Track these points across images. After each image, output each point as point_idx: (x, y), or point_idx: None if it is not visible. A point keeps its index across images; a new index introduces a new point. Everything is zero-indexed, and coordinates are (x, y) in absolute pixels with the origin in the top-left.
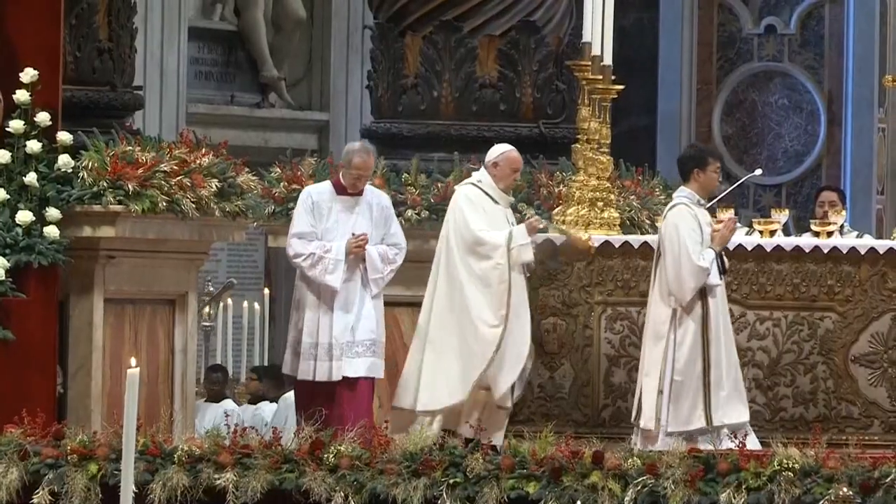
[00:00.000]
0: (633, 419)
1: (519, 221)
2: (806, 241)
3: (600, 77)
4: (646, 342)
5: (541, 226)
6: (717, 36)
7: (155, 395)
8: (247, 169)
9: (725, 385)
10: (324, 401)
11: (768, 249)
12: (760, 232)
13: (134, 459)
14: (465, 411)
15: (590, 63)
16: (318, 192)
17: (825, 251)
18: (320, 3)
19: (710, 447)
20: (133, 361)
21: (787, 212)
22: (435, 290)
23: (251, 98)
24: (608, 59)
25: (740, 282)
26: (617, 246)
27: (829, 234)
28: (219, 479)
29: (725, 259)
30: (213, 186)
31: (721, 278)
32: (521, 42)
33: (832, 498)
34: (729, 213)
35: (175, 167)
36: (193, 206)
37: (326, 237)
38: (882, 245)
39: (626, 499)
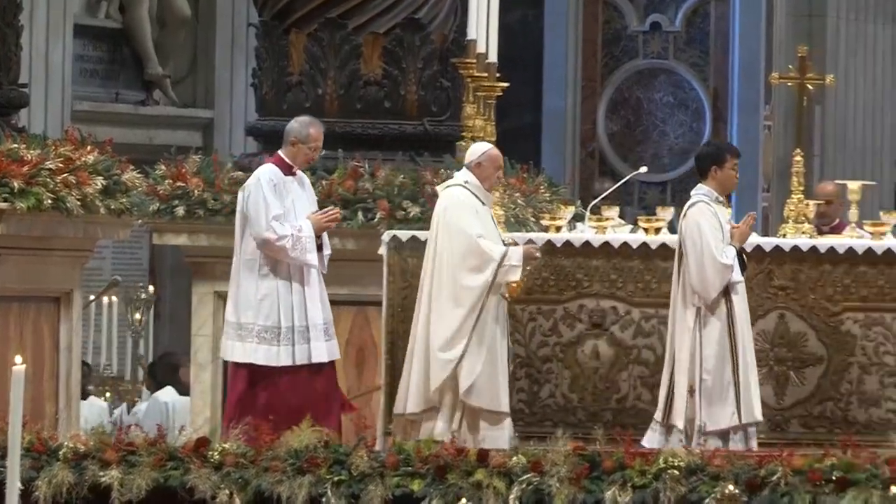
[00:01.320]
0: (661, 420)
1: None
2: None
3: (485, 74)
4: (673, 342)
5: (537, 254)
6: (602, 33)
7: (40, 393)
8: (132, 166)
9: (752, 382)
10: (289, 387)
11: (654, 247)
12: (646, 230)
13: (20, 457)
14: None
15: (475, 60)
16: (274, 174)
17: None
18: (205, 1)
19: (743, 446)
20: (18, 359)
21: (672, 209)
22: (424, 294)
23: (136, 95)
24: (493, 57)
25: (625, 279)
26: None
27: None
28: (104, 476)
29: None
30: (99, 184)
31: (742, 275)
32: (406, 40)
33: (718, 496)
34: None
35: (60, 165)
36: (79, 203)
37: (287, 218)
38: (768, 243)
39: (511, 497)
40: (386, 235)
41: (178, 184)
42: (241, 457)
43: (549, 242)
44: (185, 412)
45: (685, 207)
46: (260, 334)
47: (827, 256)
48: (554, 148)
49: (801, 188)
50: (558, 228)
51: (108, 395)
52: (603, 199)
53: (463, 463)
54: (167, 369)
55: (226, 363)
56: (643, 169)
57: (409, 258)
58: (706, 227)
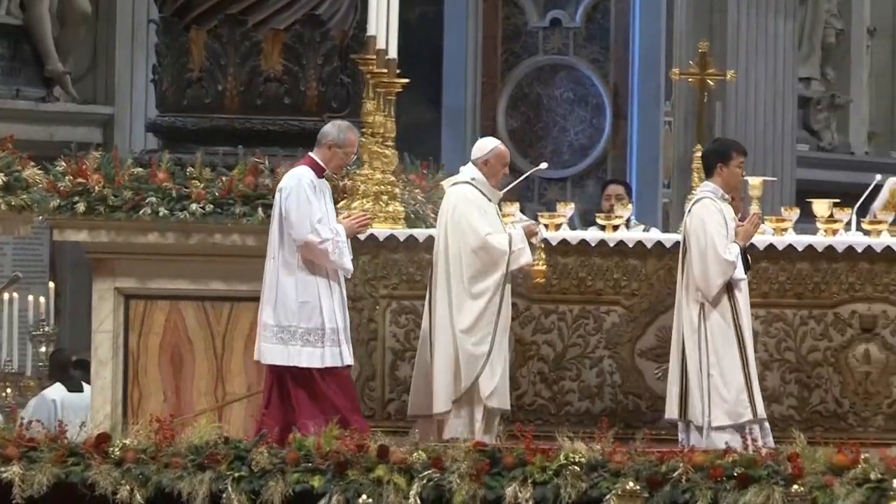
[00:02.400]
0: (678, 417)
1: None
2: (592, 234)
3: (385, 71)
4: (686, 340)
5: (537, 230)
6: (502, 29)
7: None
8: (32, 163)
9: (753, 380)
10: (332, 387)
11: (554, 243)
12: (546, 226)
13: None
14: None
15: (375, 57)
16: (311, 176)
17: (611, 245)
18: None
19: (759, 441)
20: None
21: (572, 205)
22: (434, 293)
23: (36, 92)
24: (393, 53)
25: (525, 276)
26: (402, 240)
27: (616, 227)
28: (5, 472)
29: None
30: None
31: (746, 273)
32: (306, 36)
33: (619, 492)
34: (753, 208)
35: None
36: None
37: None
38: (669, 239)
39: (412, 493)
40: None
41: (79, 180)
42: (141, 453)
43: None
44: (74, 409)
45: (690, 204)
46: (304, 337)
47: None
48: (454, 144)
49: None
50: None
51: (8, 391)
52: (503, 194)
53: (363, 459)
54: (57, 366)
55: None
56: (543, 165)
57: None
58: (710, 224)
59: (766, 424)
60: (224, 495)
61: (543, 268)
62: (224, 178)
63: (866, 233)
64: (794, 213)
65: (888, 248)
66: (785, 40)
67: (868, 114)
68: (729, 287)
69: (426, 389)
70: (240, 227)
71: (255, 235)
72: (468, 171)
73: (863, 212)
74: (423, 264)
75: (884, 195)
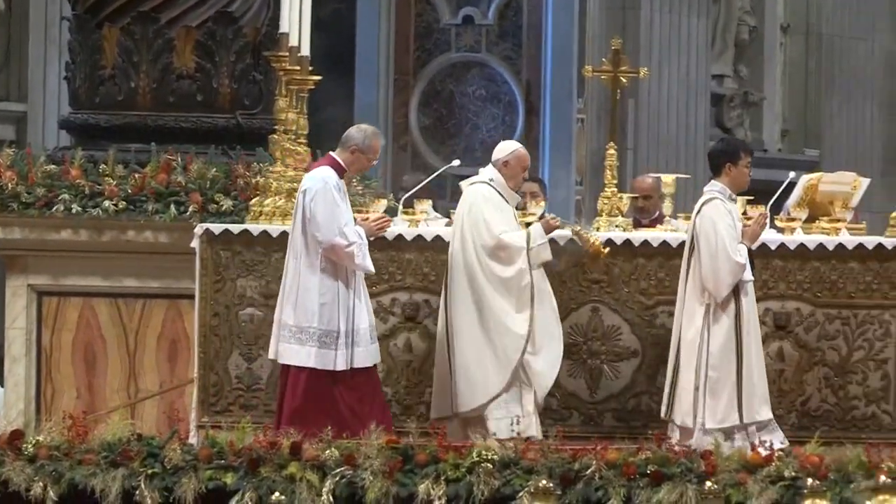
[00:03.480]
0: (664, 415)
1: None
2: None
3: (298, 68)
4: (681, 338)
5: (557, 224)
6: (415, 27)
7: None
8: None
9: (756, 382)
10: (342, 390)
11: None
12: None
13: None
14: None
15: (287, 54)
16: (335, 179)
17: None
18: None
19: (746, 444)
20: None
21: None
22: (452, 293)
23: None
24: (305, 50)
25: (438, 273)
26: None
27: (528, 224)
28: None
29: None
30: None
31: (752, 275)
32: (219, 33)
33: (532, 490)
34: (760, 209)
35: None
36: None
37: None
38: (567, 236)
39: (325, 490)
40: (199, 229)
41: None
42: (54, 450)
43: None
44: None
45: (699, 204)
46: (320, 339)
47: (641, 250)
48: None
49: (615, 181)
50: None
51: None
52: (415, 192)
53: (276, 456)
54: None
55: (284, 366)
56: (456, 162)
57: (221, 251)
58: (721, 225)
59: (774, 424)
60: (137, 492)
61: (599, 242)
62: (137, 176)
63: (780, 230)
64: None
65: (801, 245)
66: (698, 37)
67: (781, 111)
68: (735, 289)
69: (448, 391)
70: (152, 224)
71: (168, 232)
72: (487, 171)
73: (776, 209)
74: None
75: (797, 192)
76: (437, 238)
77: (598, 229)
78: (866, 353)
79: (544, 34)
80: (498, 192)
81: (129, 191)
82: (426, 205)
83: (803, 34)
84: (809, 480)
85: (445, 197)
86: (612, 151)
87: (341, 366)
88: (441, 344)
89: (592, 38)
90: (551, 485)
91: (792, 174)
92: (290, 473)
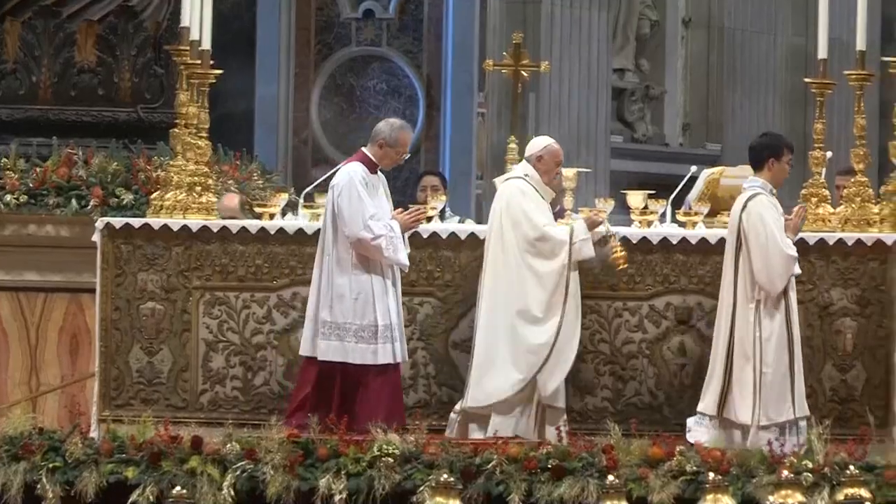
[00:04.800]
0: (715, 413)
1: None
2: None
3: (199, 62)
4: (733, 336)
5: (600, 220)
6: (316, 20)
7: None
8: None
9: (798, 377)
10: (384, 384)
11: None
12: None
13: None
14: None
15: (188, 48)
16: (363, 173)
17: (425, 236)
18: None
19: (799, 439)
20: None
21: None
22: (484, 289)
23: None
24: (206, 44)
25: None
26: (215, 231)
27: (430, 218)
28: None
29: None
30: None
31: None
32: (120, 27)
33: (433, 484)
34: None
35: None
36: None
37: (376, 217)
38: (482, 230)
39: (226, 484)
40: (100, 223)
41: None
42: None
43: (262, 230)
44: None
45: (743, 199)
46: (357, 333)
47: None
48: (267, 135)
49: None
50: (271, 216)
51: None
52: (316, 186)
53: (177, 450)
54: None
55: (311, 360)
56: None
57: (122, 245)
58: (770, 220)
59: (802, 423)
60: (38, 486)
61: (623, 254)
62: (38, 169)
63: (681, 224)
64: (609, 205)
65: (703, 239)
66: (599, 31)
67: (683, 105)
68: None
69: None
70: (54, 218)
71: (69, 226)
72: (521, 167)
73: (678, 203)
74: (236, 256)
75: (699, 187)
76: None
77: None
78: None
79: (445, 28)
80: (533, 187)
81: (31, 185)
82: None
83: (705, 28)
84: (711, 475)
85: None
86: (512, 145)
87: (386, 359)
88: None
89: (493, 33)
90: (452, 479)
91: (693, 168)
92: (191, 467)
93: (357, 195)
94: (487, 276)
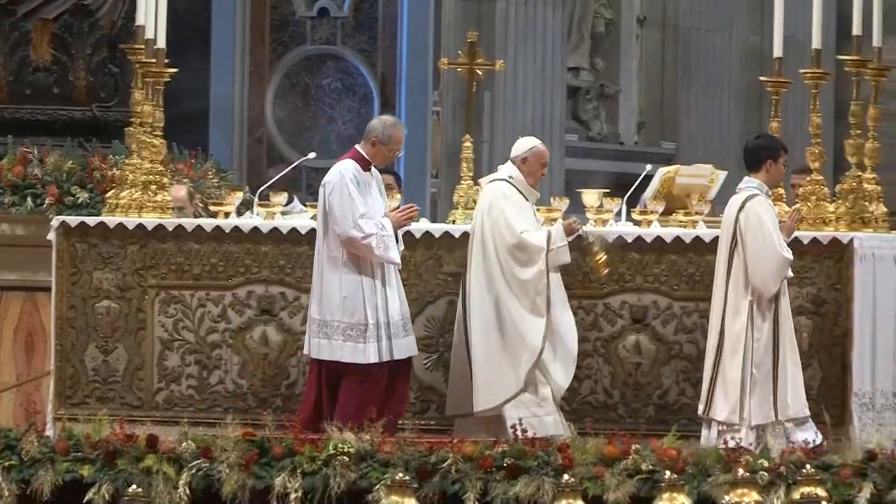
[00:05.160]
0: (701, 413)
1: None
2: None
3: (154, 60)
4: (723, 335)
5: (577, 227)
6: (271, 19)
7: None
8: None
9: (790, 378)
10: (374, 383)
11: None
12: (315, 216)
13: None
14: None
15: (143, 46)
16: (355, 171)
17: (417, 236)
18: None
19: (784, 441)
20: None
21: None
22: (470, 291)
23: None
24: (161, 43)
25: (294, 265)
26: (170, 229)
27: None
28: None
29: None
30: None
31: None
32: (75, 26)
33: (388, 483)
34: (795, 205)
35: None
36: None
37: (368, 215)
38: (438, 229)
39: (181, 482)
40: (55, 221)
41: None
42: None
43: (217, 228)
44: None
45: (740, 199)
46: (346, 332)
47: None
48: (222, 134)
49: (471, 174)
50: (226, 214)
51: None
52: (271, 184)
53: (132, 449)
54: None
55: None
56: (311, 155)
57: (77, 244)
58: (768, 221)
59: (789, 424)
60: None
61: (604, 259)
62: None
63: (636, 223)
64: (564, 204)
65: (658, 238)
66: (554, 30)
67: (638, 104)
68: None
69: (464, 389)
70: (9, 217)
71: (25, 225)
72: (506, 168)
73: (633, 202)
74: (192, 254)
75: (654, 185)
76: (294, 231)
77: (453, 222)
78: None
79: (400, 26)
80: (517, 189)
81: None
82: (282, 197)
83: (660, 27)
84: (667, 474)
85: (302, 189)
86: (467, 144)
87: (373, 358)
88: (459, 342)
89: (448, 31)
90: (408, 478)
91: (648, 167)
92: (146, 466)
93: (348, 193)
94: (472, 279)
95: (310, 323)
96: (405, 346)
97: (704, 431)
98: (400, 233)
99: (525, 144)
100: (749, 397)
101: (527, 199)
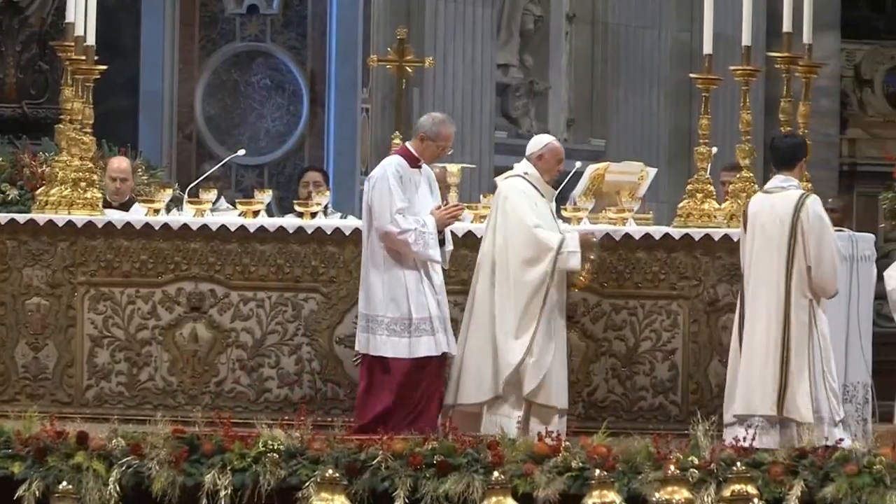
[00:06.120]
0: (773, 411)
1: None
2: (290, 221)
3: (83, 57)
4: (794, 336)
5: (593, 241)
6: (200, 16)
7: None
8: None
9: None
10: (417, 378)
11: (252, 230)
12: (243, 213)
13: None
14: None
15: (73, 44)
16: (400, 167)
17: (309, 232)
18: None
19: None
20: None
21: (270, 192)
22: (475, 287)
23: None
24: (91, 40)
25: (224, 262)
26: (100, 226)
27: (313, 214)
28: None
29: None
30: None
31: None
32: (5, 23)
33: (318, 480)
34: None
35: None
36: None
37: (411, 211)
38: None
39: (111, 479)
40: None
41: None
42: None
43: (147, 225)
44: None
45: (794, 197)
46: (389, 326)
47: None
48: (151, 131)
49: None
50: (156, 211)
51: None
52: (201, 181)
53: (63, 446)
54: None
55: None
56: (241, 152)
57: (7, 241)
58: (828, 221)
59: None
60: None
61: (586, 279)
62: None
63: (566, 220)
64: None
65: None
66: (483, 27)
67: (567, 101)
68: None
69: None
70: None
71: None
72: (522, 165)
73: (563, 199)
74: (122, 251)
75: (584, 182)
76: (223, 227)
77: None
78: (653, 344)
79: (329, 24)
80: (533, 185)
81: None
82: (211, 194)
83: (589, 23)
84: (597, 471)
85: (231, 187)
86: (397, 141)
87: (415, 353)
88: (462, 334)
89: (377, 28)
90: (338, 475)
91: (578, 164)
92: (76, 463)
93: (388, 188)
94: (478, 273)
95: (359, 318)
96: (446, 342)
97: (773, 431)
98: (447, 232)
99: (540, 141)
100: (826, 394)
101: (542, 196)
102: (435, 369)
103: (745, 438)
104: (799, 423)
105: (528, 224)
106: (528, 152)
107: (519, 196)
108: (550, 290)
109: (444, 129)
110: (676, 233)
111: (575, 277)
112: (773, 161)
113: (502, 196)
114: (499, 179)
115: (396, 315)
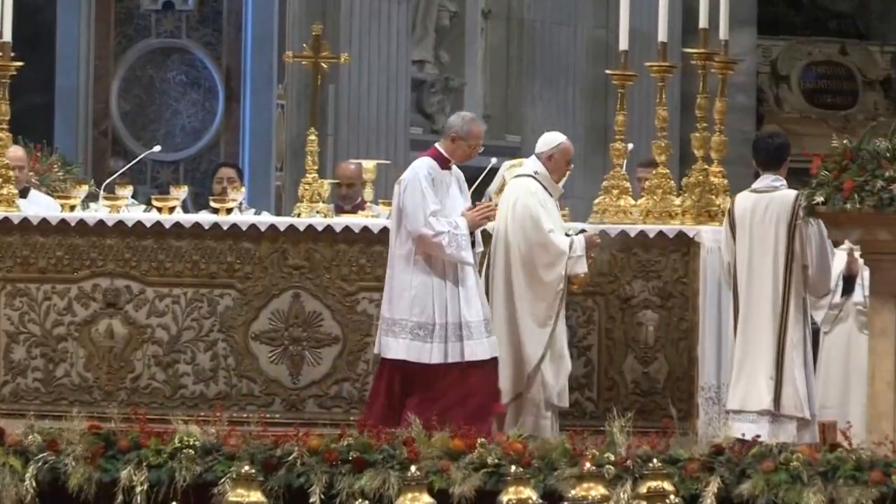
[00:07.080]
0: (771, 408)
1: None
2: (205, 217)
3: (0, 54)
4: (791, 332)
5: (598, 241)
6: (116, 12)
7: None
8: None
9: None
10: (440, 385)
11: (167, 226)
12: (159, 209)
13: None
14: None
15: None
16: (432, 168)
17: (224, 228)
18: None
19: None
20: None
21: (185, 188)
22: (492, 286)
23: None
24: (7, 36)
25: (139, 258)
26: (16, 222)
27: (229, 210)
28: None
29: None
30: None
31: None
32: None
33: (234, 476)
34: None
35: None
36: None
37: (442, 213)
38: (282, 222)
39: (27, 475)
40: None
41: None
42: None
43: (62, 221)
44: None
45: (792, 195)
46: (413, 331)
47: (342, 236)
48: (67, 127)
49: (316, 167)
50: (72, 207)
51: None
52: (116, 177)
53: None
54: None
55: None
56: (156, 148)
57: None
58: (822, 223)
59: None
60: None
61: (582, 280)
62: None
63: None
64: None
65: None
66: (398, 23)
67: (483, 97)
68: None
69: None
70: None
71: None
72: (531, 164)
73: (478, 195)
74: (37, 247)
75: (499, 179)
76: (139, 223)
77: (298, 215)
78: (569, 340)
79: (244, 20)
80: (542, 185)
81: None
82: (127, 190)
83: (504, 20)
84: (513, 468)
85: (146, 183)
86: (312, 137)
87: (437, 359)
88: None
89: (293, 24)
90: (253, 471)
91: (494, 160)
92: None
93: (420, 191)
94: (493, 271)
95: (381, 321)
96: (486, 348)
97: (768, 426)
98: (478, 233)
99: (551, 140)
100: (813, 391)
101: (550, 195)
102: (462, 377)
103: (743, 434)
104: (794, 418)
105: (543, 228)
106: (537, 150)
107: (530, 198)
108: (564, 296)
109: (476, 127)
110: (592, 229)
111: (573, 279)
112: (759, 162)
113: (513, 197)
114: (508, 175)
115: (421, 319)
